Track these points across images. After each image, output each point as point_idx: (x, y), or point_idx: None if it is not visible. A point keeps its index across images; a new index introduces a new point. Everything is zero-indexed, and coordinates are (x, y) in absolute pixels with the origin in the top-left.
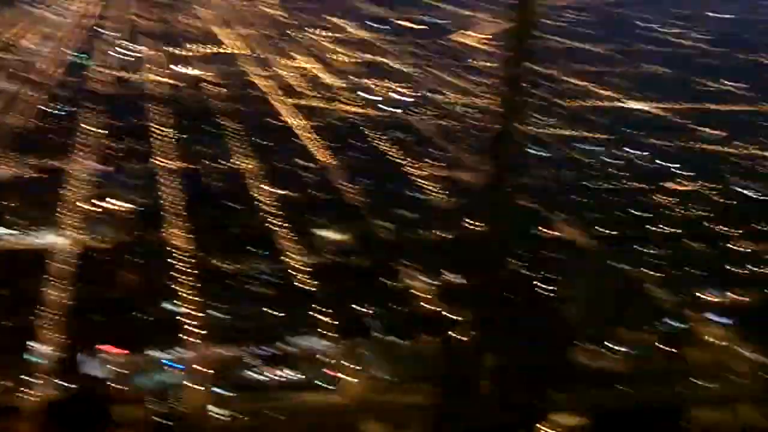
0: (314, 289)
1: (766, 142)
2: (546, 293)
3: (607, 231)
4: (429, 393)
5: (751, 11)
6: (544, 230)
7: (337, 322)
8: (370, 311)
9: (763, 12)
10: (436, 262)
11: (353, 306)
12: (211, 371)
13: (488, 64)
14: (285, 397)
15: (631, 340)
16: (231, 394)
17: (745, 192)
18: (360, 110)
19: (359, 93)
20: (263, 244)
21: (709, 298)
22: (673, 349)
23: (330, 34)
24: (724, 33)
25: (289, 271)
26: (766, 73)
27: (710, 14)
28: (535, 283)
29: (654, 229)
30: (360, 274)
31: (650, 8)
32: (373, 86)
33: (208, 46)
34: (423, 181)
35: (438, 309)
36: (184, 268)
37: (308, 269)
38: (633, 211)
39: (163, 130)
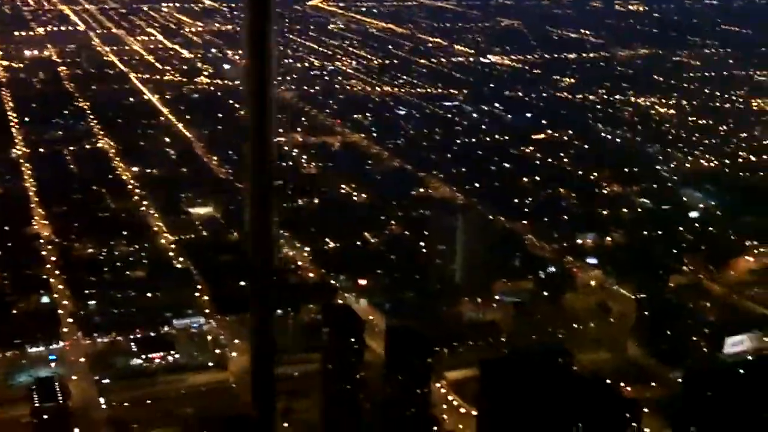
0: (189, 267)
1: (623, 87)
2: (426, 252)
3: (478, 185)
4: (318, 362)
5: None
6: (419, 190)
7: (216, 299)
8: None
9: None
10: (310, 229)
11: (231, 281)
12: (94, 362)
13: (343, 27)
14: (170, 380)
15: (513, 290)
16: (115, 383)
17: (607, 137)
18: (219, 81)
19: (215, 64)
20: (132, 225)
21: (583, 243)
22: (555, 295)
23: (181, 5)
24: None
25: (162, 251)
26: (618, 19)
27: None
28: (414, 242)
29: (524, 179)
30: (235, 247)
31: None
32: (229, 56)
33: (56, 25)
34: (288, 148)
35: (317, 276)
36: (52, 258)
37: (181, 247)
38: (502, 164)
39: (16, 117)
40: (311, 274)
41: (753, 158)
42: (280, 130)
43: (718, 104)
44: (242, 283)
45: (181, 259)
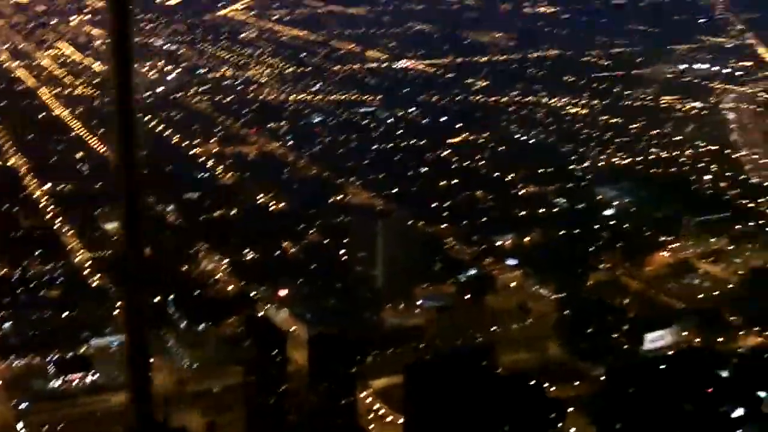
0: (106, 284)
1: (535, 89)
2: (346, 259)
3: (397, 190)
4: (241, 375)
5: None
6: (337, 197)
7: None
8: (170, 300)
9: None
10: (228, 241)
11: (150, 296)
12: (10, 385)
13: (256, 35)
14: (91, 401)
15: (435, 294)
16: (34, 407)
17: (521, 138)
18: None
19: None
20: (46, 243)
21: (502, 244)
22: (476, 297)
23: (89, 17)
24: None
25: (77, 268)
26: (527, 21)
27: None
28: (334, 250)
29: (442, 183)
30: (152, 262)
31: None
32: (139, 68)
33: None
34: (202, 159)
35: (236, 288)
36: None
37: (97, 264)
38: (419, 168)
39: None
40: (231, 287)
41: (664, 155)
42: (196, 141)
43: (628, 103)
44: (157, 299)
45: (97, 276)
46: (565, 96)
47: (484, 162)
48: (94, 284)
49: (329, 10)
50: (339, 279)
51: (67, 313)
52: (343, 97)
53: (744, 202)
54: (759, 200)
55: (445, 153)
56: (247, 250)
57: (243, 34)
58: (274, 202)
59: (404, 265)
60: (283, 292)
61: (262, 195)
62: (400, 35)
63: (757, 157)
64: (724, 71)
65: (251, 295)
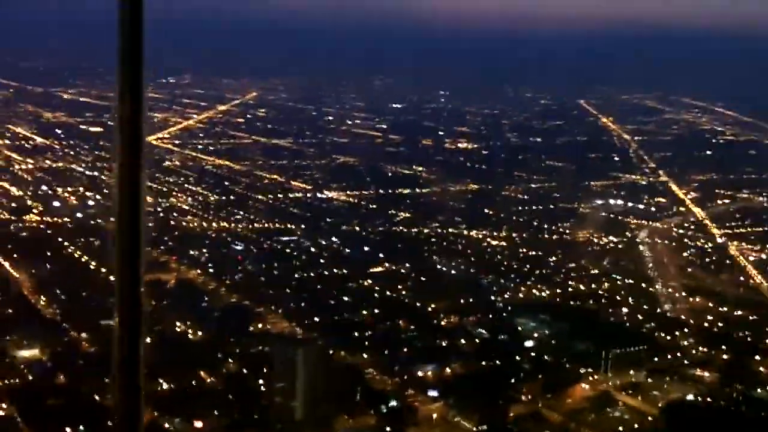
0: (13, 414)
1: (456, 221)
2: (266, 389)
3: (318, 319)
4: None
5: (430, 99)
6: (257, 326)
7: None
8: None
9: (435, 98)
10: (143, 369)
11: (56, 427)
12: None
13: (179, 163)
14: None
15: (355, 427)
16: None
17: (442, 268)
18: (48, 219)
19: (45, 201)
20: None
21: (424, 375)
22: (397, 430)
23: (9, 142)
24: (404, 121)
25: None
26: (448, 156)
27: (391, 105)
28: (253, 380)
29: (364, 312)
30: (66, 393)
31: (330, 103)
32: (61, 193)
33: None
34: None
35: (149, 419)
36: None
37: (4, 394)
38: (341, 298)
39: None
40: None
41: (582, 287)
42: (112, 268)
43: (546, 236)
44: (68, 430)
45: (4, 405)
46: (485, 228)
47: (406, 292)
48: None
49: (255, 141)
50: (258, 410)
51: None
52: (266, 225)
53: (661, 334)
54: (675, 333)
55: (368, 282)
56: (161, 380)
57: (166, 162)
58: (192, 330)
59: (325, 396)
60: (198, 424)
61: (179, 323)
62: (324, 167)
63: (672, 290)
64: (639, 207)
65: (165, 426)
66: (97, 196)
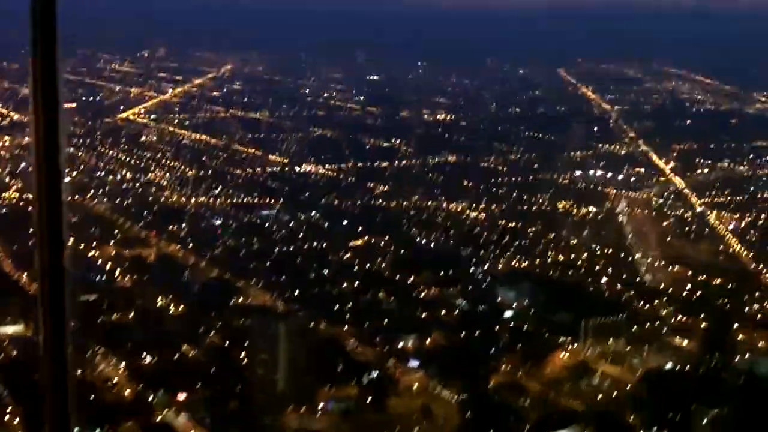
0: (1, 392)
1: (435, 193)
2: (248, 362)
3: (298, 293)
4: None
5: (409, 71)
6: (238, 300)
7: (28, 420)
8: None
9: (412, 70)
10: (126, 345)
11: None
12: None
13: (156, 138)
14: None
15: (337, 397)
16: None
17: (422, 241)
18: (29, 195)
19: (25, 178)
20: None
21: (404, 346)
22: (379, 400)
23: None
24: (382, 94)
25: None
26: (427, 128)
27: (369, 77)
28: (235, 353)
29: (344, 285)
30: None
31: (307, 75)
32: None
33: None
34: (100, 262)
35: (134, 393)
36: None
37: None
38: (321, 271)
39: None
40: (128, 391)
41: (561, 258)
42: (93, 244)
43: (525, 207)
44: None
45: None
46: (464, 201)
47: (385, 265)
48: None
49: (232, 115)
50: (240, 382)
51: None
52: (245, 200)
53: (640, 303)
54: (654, 302)
55: (347, 256)
56: (144, 354)
57: (143, 138)
58: (173, 305)
59: (306, 368)
60: (182, 397)
61: (161, 298)
62: (302, 140)
63: (651, 260)
64: (618, 177)
65: (149, 399)
66: (74, 173)
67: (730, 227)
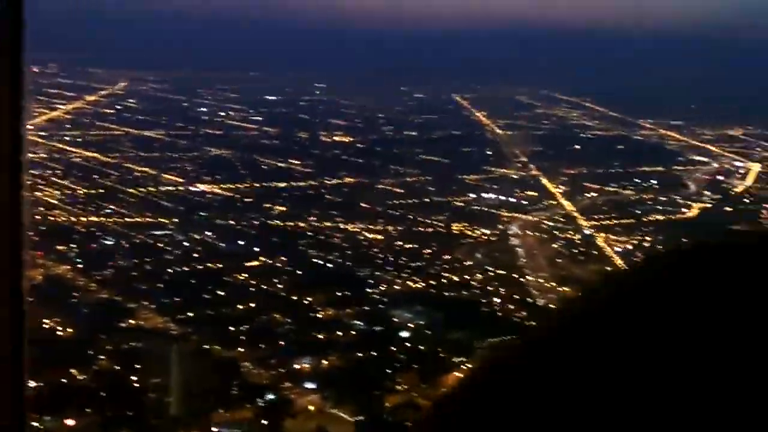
0: None
1: (332, 214)
2: (139, 385)
3: (192, 314)
4: None
5: (306, 92)
6: (130, 322)
7: None
8: None
9: (311, 91)
10: None
11: None
12: None
13: (46, 156)
14: None
15: (231, 421)
16: None
17: (319, 262)
18: None
19: None
20: None
21: (300, 367)
22: (274, 422)
23: None
24: (280, 114)
25: None
26: (324, 150)
27: (266, 97)
28: (125, 376)
29: (239, 307)
30: None
31: (204, 95)
32: None
33: None
34: None
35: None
36: None
37: None
38: (215, 292)
39: None
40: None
41: (456, 278)
42: None
43: (421, 229)
44: None
45: None
46: (361, 222)
47: (282, 285)
48: None
49: (125, 133)
50: (131, 406)
51: None
52: (137, 219)
53: (532, 322)
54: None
55: (243, 276)
56: (30, 379)
57: (31, 155)
58: (61, 327)
59: (200, 391)
60: (70, 423)
61: (48, 320)
62: (197, 159)
63: (542, 281)
64: (511, 200)
65: (36, 426)
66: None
67: (617, 249)
